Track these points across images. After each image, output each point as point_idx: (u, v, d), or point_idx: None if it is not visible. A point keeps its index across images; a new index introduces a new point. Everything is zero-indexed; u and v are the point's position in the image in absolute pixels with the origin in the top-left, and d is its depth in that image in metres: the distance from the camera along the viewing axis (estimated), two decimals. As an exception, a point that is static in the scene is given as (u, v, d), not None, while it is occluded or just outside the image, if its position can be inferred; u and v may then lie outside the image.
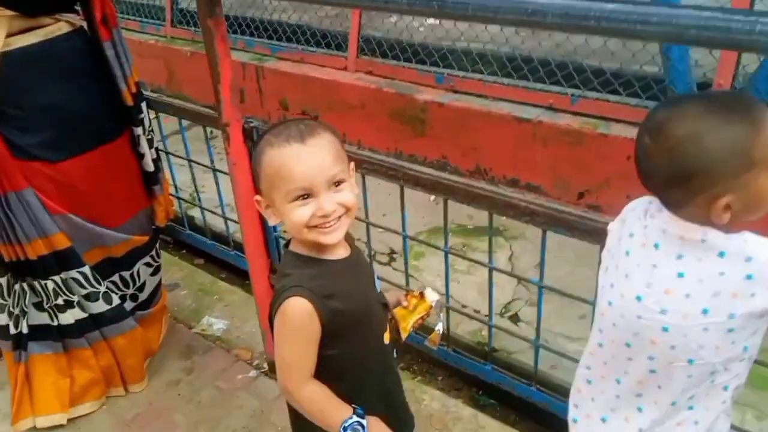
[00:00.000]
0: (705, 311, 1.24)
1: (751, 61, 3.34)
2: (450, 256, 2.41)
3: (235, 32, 5.46)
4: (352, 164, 1.54)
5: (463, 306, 3.01)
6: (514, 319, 3.06)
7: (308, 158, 1.42)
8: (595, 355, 1.50)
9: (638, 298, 1.33)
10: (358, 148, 4.40)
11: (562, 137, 3.67)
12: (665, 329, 1.29)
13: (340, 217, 1.46)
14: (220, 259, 3.53)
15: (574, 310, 2.75)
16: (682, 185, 1.22)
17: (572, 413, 1.60)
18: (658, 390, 1.37)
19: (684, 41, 1.01)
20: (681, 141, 1.20)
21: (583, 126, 3.61)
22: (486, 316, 2.89)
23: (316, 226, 1.45)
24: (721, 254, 1.22)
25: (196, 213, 3.63)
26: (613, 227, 1.47)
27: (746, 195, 1.19)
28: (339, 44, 4.89)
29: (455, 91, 4.22)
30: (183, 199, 3.46)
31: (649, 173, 1.29)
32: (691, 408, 1.37)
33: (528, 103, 3.91)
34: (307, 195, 1.43)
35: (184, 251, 3.89)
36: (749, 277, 1.20)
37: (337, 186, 1.45)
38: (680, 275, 1.26)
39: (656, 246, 1.31)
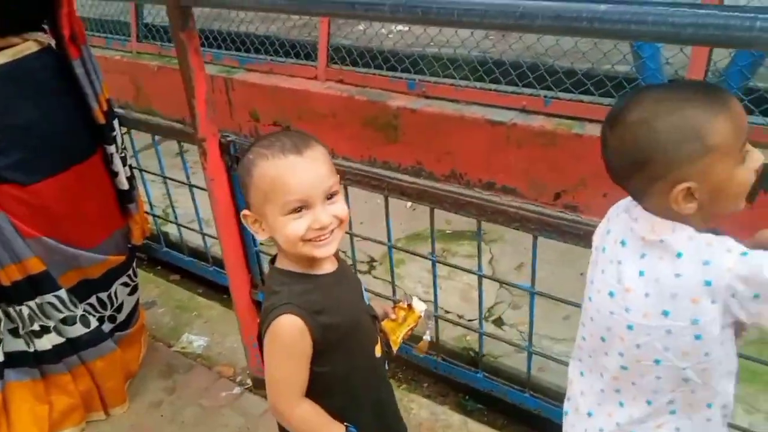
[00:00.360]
0: (665, 313, 1.23)
1: (721, 57, 3.36)
2: (431, 263, 2.39)
3: (202, 45, 5.40)
4: (338, 177, 1.51)
5: (447, 312, 2.99)
6: (498, 322, 3.05)
7: (305, 170, 1.40)
8: (582, 348, 1.49)
9: (610, 294, 1.33)
10: (332, 158, 4.37)
11: (537, 139, 3.67)
12: (630, 327, 1.29)
13: (333, 230, 1.44)
14: (197, 274, 3.48)
15: (559, 311, 2.74)
16: (639, 172, 1.21)
17: (565, 405, 1.60)
18: (633, 387, 1.36)
19: (680, 41, 1.00)
20: (633, 126, 1.19)
21: (557, 127, 3.62)
22: (470, 320, 2.88)
23: (310, 240, 1.42)
24: (678, 255, 1.21)
25: (171, 229, 3.57)
26: (600, 225, 1.47)
27: (708, 182, 1.17)
28: (308, 54, 4.87)
29: (427, 97, 4.21)
30: (158, 216, 3.40)
31: (611, 164, 1.28)
32: (672, 412, 1.35)
33: (501, 106, 3.91)
34: (302, 207, 1.40)
35: (159, 267, 3.83)
36: (708, 283, 1.17)
37: (331, 198, 1.43)
38: (641, 274, 1.26)
39: (623, 243, 1.31)
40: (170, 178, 3.12)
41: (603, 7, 1.03)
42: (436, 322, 2.51)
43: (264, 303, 1.52)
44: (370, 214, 2.42)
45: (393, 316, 1.76)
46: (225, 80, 5.00)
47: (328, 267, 1.54)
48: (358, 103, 4.36)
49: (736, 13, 0.94)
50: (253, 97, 4.94)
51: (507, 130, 3.76)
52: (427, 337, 1.89)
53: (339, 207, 1.45)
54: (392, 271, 2.50)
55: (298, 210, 1.40)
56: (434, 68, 4.32)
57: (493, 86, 4.02)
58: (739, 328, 1.27)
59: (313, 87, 4.63)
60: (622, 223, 1.34)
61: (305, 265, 1.49)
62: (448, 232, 3.65)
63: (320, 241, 1.43)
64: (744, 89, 3.15)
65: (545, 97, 3.78)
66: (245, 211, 1.50)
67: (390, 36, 4.84)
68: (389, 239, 2.37)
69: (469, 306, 3.01)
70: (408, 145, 4.24)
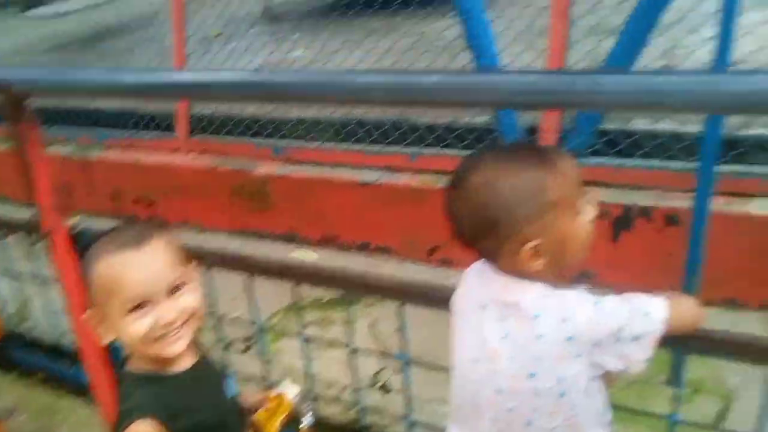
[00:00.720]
0: (531, 375, 1.23)
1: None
2: (309, 337, 2.31)
3: (54, 124, 5.19)
4: (194, 263, 1.43)
5: (329, 386, 2.88)
6: (385, 388, 2.97)
7: (144, 265, 1.31)
8: (456, 414, 1.47)
9: (473, 361, 1.32)
10: (200, 231, 4.26)
11: (405, 196, 3.67)
12: (499, 391, 1.28)
13: (182, 324, 1.35)
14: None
15: (443, 372, 2.69)
16: (489, 234, 1.23)
17: None
18: None
19: (513, 106, 0.98)
20: (478, 189, 1.22)
21: (424, 183, 3.63)
22: (356, 389, 2.79)
23: (157, 338, 1.32)
24: (536, 316, 1.22)
25: (27, 327, 3.33)
26: (457, 289, 1.45)
27: (552, 237, 1.20)
28: (169, 125, 4.74)
29: (294, 162, 4.16)
30: (10, 315, 3.17)
31: (458, 227, 1.30)
32: None
33: (368, 167, 3.89)
34: (144, 305, 1.31)
35: (18, 369, 3.54)
36: (569, 339, 1.19)
37: (177, 291, 1.34)
38: (504, 337, 1.25)
39: (482, 307, 1.30)
40: (21, 272, 2.92)
41: (433, 78, 1.01)
42: (316, 399, 2.42)
43: (118, 408, 1.41)
44: (242, 289, 2.31)
45: (265, 406, 1.67)
46: (81, 160, 4.81)
47: (185, 363, 1.44)
48: (223, 173, 4.26)
49: (555, 76, 0.93)
50: (114, 175, 4.76)
51: (375, 189, 3.75)
52: (305, 424, 1.78)
53: (188, 299, 1.36)
54: (264, 353, 2.39)
55: (140, 308, 1.31)
56: (298, 132, 4.29)
57: (358, 146, 4.03)
58: (608, 378, 1.27)
59: (176, 160, 4.52)
60: (477, 286, 1.33)
61: (158, 364, 1.39)
62: (324, 300, 3.56)
63: (168, 338, 1.33)
64: (596, 132, 3.25)
65: (410, 154, 3.79)
66: (88, 312, 1.40)
67: (250, 102, 4.78)
68: (257, 322, 2.28)
69: (351, 375, 2.92)
70: (279, 211, 4.16)
